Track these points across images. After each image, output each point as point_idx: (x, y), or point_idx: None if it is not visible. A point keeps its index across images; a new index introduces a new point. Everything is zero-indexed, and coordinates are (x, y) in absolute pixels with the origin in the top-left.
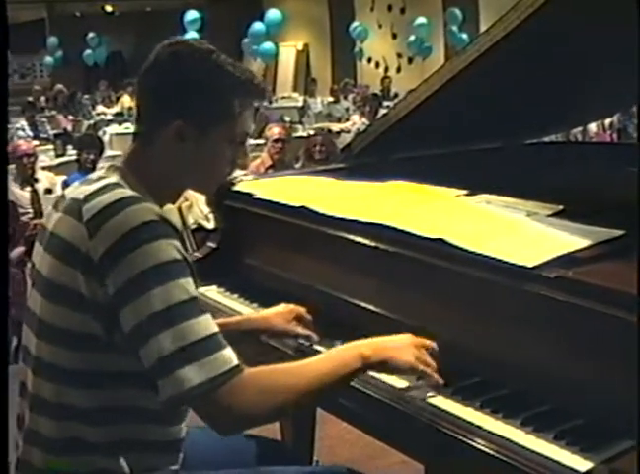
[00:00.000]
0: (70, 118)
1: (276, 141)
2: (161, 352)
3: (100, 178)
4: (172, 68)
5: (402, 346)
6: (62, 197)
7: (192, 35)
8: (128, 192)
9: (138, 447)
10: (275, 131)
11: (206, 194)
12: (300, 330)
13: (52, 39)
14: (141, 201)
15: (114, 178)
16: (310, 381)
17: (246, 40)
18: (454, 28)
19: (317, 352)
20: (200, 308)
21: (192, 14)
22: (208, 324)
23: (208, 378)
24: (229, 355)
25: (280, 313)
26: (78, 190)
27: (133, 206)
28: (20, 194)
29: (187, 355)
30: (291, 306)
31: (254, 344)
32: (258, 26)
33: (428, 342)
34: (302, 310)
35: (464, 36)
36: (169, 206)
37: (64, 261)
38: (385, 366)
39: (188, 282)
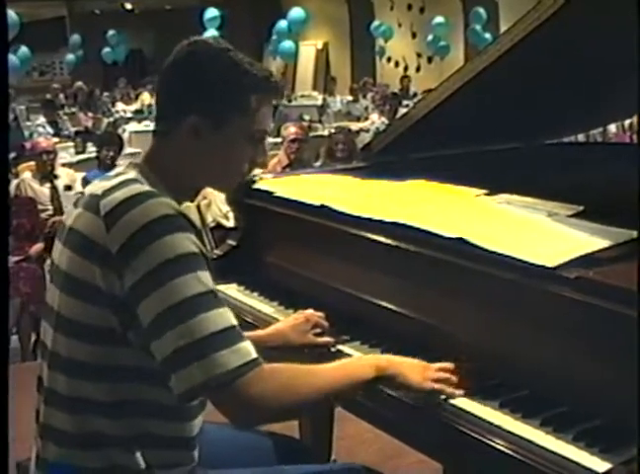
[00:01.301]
0: (90, 115)
1: (292, 141)
2: (177, 344)
3: (118, 174)
4: (189, 65)
5: (416, 365)
6: (82, 194)
7: (211, 33)
8: (145, 187)
9: (153, 443)
10: (291, 131)
11: (225, 191)
12: (318, 340)
13: (75, 37)
14: (158, 196)
15: (132, 174)
16: (327, 382)
17: (274, 38)
18: (478, 27)
19: (340, 352)
20: (218, 301)
21: (211, 12)
22: (227, 317)
23: (227, 370)
24: (247, 348)
25: (295, 326)
26: (97, 186)
27: (150, 200)
28: (40, 190)
29: (207, 347)
30: (307, 313)
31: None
32: (283, 24)
33: (445, 365)
34: (316, 317)
35: (487, 35)
36: (188, 204)
37: (82, 255)
38: (397, 380)
39: (205, 275)
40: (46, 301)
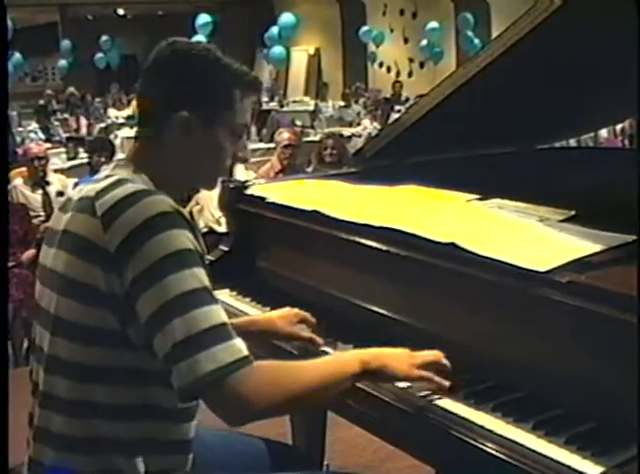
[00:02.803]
0: (84, 122)
1: (286, 147)
2: (175, 338)
3: (108, 176)
4: (173, 64)
5: (399, 355)
6: (69, 199)
7: (202, 39)
8: (140, 185)
9: (152, 446)
10: (284, 136)
11: (209, 188)
12: (304, 334)
13: (66, 43)
14: (154, 193)
15: (122, 174)
16: (317, 376)
17: (266, 44)
18: (469, 33)
19: (325, 353)
20: (212, 298)
21: (203, 18)
22: (220, 313)
23: (221, 365)
24: (240, 345)
25: (284, 316)
26: (87, 188)
27: (147, 198)
28: (32, 196)
29: (200, 343)
30: (296, 310)
31: (259, 344)
32: (274, 30)
33: (427, 354)
34: (306, 314)
35: (477, 41)
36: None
37: (81, 257)
38: (383, 373)
39: (201, 272)
40: (41, 306)
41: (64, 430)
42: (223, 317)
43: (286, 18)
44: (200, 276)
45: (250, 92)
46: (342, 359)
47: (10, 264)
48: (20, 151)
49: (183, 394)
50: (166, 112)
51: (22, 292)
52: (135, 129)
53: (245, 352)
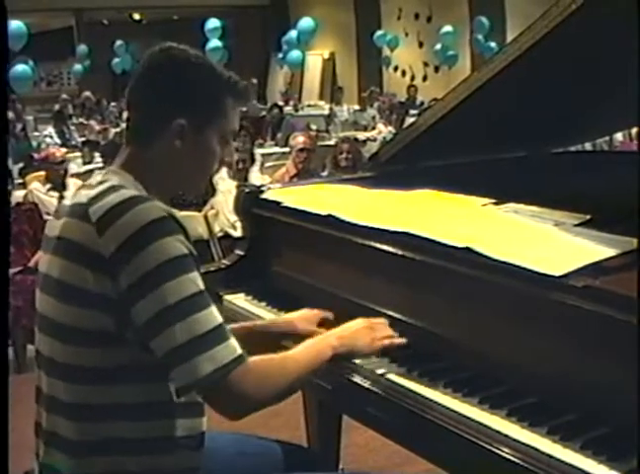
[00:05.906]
0: (97, 127)
1: (300, 151)
2: (175, 342)
3: (100, 182)
4: (170, 70)
5: (361, 331)
6: (63, 205)
7: (214, 43)
8: (133, 192)
9: (159, 445)
10: (299, 140)
11: (196, 193)
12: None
13: (82, 48)
14: (148, 200)
15: (115, 181)
16: (298, 369)
17: (284, 48)
18: (480, 37)
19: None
20: (208, 300)
21: (212, 22)
22: (216, 315)
23: (220, 366)
24: (234, 345)
25: (305, 317)
26: (79, 194)
27: (142, 205)
28: (47, 200)
29: (199, 345)
30: (315, 311)
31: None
32: (293, 34)
33: (376, 320)
34: (326, 314)
35: (492, 44)
36: (194, 214)
37: (74, 261)
38: (350, 354)
39: (197, 276)
40: (39, 311)
41: (70, 434)
42: (219, 318)
43: (306, 22)
44: (196, 281)
45: (240, 100)
46: (316, 348)
47: (15, 269)
48: (36, 156)
49: (181, 392)
50: (161, 119)
51: (21, 300)
52: (125, 135)
53: (239, 350)
